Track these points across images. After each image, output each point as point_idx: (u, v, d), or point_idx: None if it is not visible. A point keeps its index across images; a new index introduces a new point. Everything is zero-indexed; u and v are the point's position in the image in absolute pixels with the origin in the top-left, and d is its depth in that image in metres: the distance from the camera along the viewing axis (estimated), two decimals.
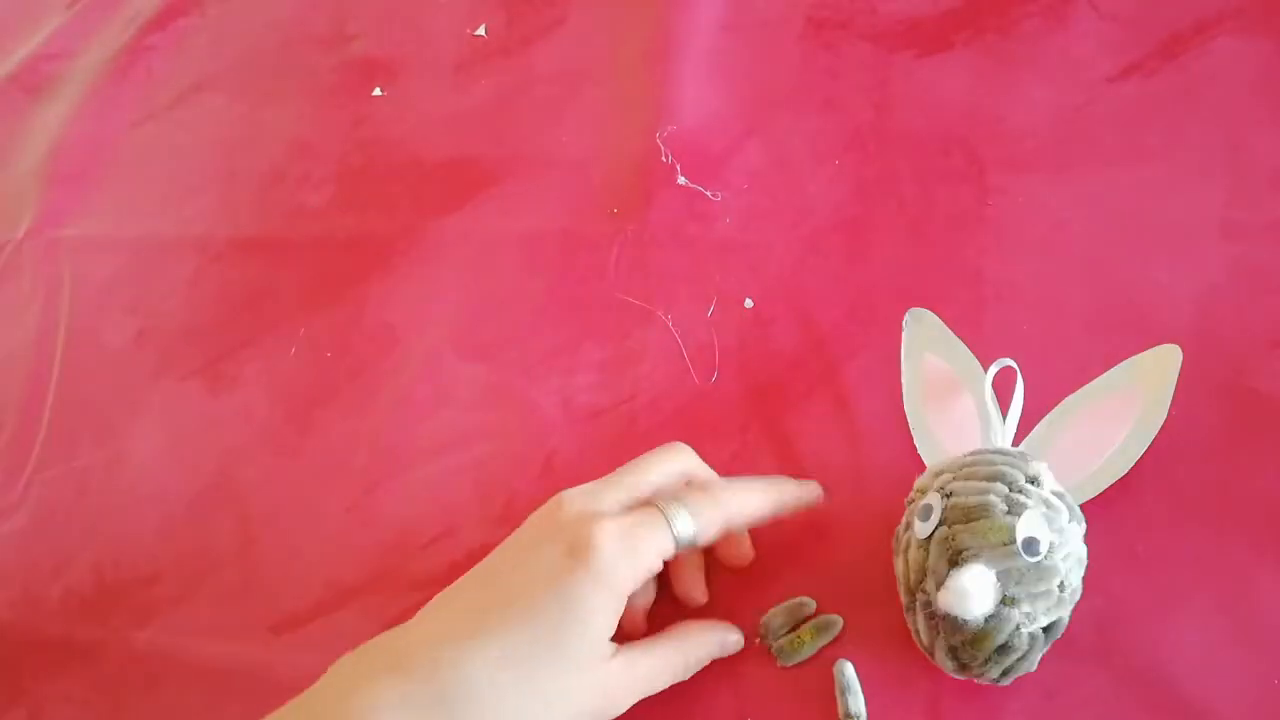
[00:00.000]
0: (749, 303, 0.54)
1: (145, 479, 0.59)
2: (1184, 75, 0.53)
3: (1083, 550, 0.39)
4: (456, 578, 0.50)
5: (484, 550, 0.51)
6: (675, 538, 0.38)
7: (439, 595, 0.40)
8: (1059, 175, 0.52)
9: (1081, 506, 0.40)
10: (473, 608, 0.38)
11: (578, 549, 0.37)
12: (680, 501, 0.39)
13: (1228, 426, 0.44)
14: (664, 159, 0.59)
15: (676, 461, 0.43)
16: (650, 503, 0.40)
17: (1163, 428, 0.42)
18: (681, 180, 0.58)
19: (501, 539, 0.51)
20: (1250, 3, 0.54)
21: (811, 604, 0.44)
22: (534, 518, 0.41)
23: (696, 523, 0.39)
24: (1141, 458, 0.42)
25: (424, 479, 0.54)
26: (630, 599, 0.38)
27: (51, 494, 0.61)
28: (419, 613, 0.40)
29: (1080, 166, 0.52)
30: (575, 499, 0.40)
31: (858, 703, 0.41)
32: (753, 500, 0.41)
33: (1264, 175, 0.49)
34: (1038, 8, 0.57)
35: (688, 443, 0.50)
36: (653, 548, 0.38)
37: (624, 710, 0.38)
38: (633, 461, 0.43)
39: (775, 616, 0.44)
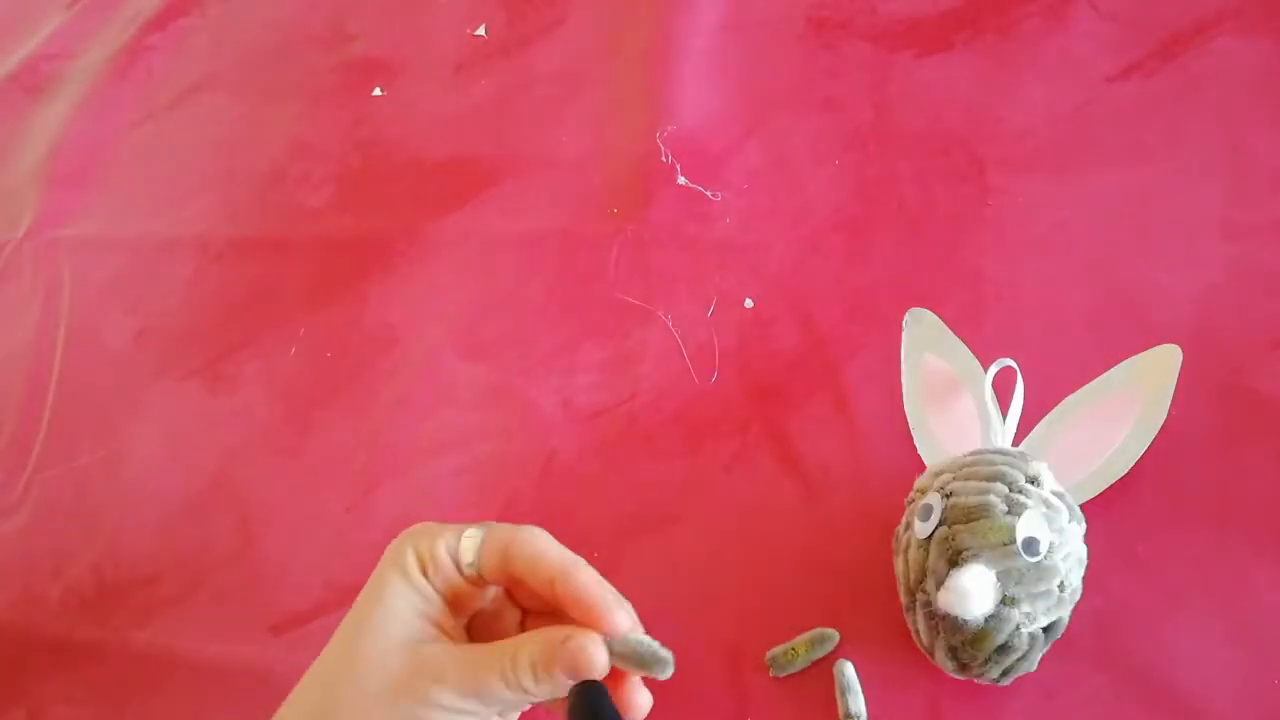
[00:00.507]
0: (749, 303, 0.54)
1: (145, 479, 0.59)
2: (1184, 75, 0.53)
3: (1083, 550, 0.39)
4: None
5: None
6: (461, 539, 0.36)
7: None
8: (1059, 175, 0.52)
9: (1081, 506, 0.40)
10: None
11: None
12: (493, 526, 0.37)
13: (1228, 426, 0.44)
14: (664, 159, 0.59)
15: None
16: None
17: (1163, 428, 0.42)
18: (681, 180, 0.58)
19: None
20: (1250, 3, 0.54)
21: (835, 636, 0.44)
22: None
23: (485, 535, 0.36)
24: (1141, 458, 0.42)
25: (424, 479, 0.54)
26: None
27: (51, 494, 0.61)
28: None
29: (1080, 166, 0.52)
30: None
31: (858, 703, 0.41)
32: (545, 544, 0.36)
33: (1264, 175, 0.49)
34: (1038, 8, 0.57)
35: (687, 443, 0.51)
36: (439, 538, 0.36)
37: (435, 711, 0.34)
38: None
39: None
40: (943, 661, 0.39)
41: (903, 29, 0.59)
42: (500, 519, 0.51)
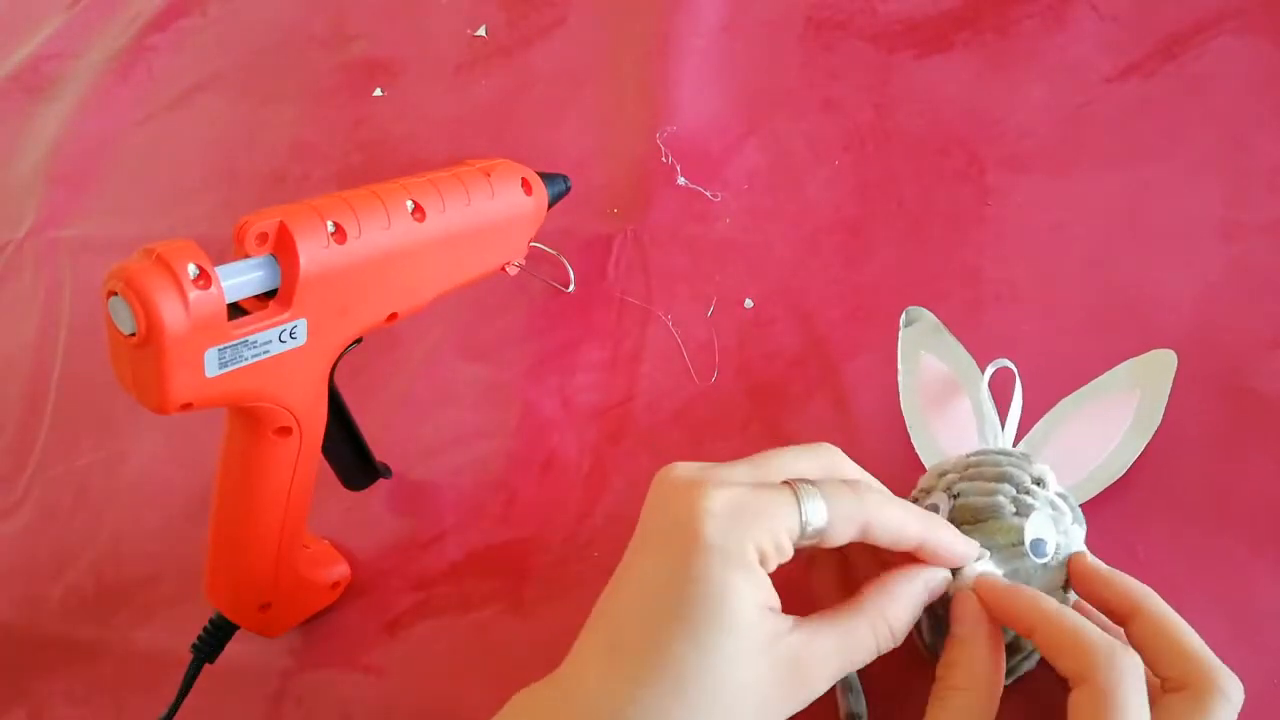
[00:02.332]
0: (749, 303, 0.54)
1: (146, 479, 0.59)
2: (1184, 75, 0.53)
3: (1084, 552, 0.39)
4: (457, 578, 0.51)
5: (485, 550, 0.51)
6: (803, 520, 0.32)
7: (584, 631, 0.35)
8: (1059, 175, 0.52)
9: (1080, 507, 0.40)
10: (607, 638, 0.33)
11: (687, 522, 0.32)
12: (817, 486, 0.33)
13: (1227, 426, 0.44)
14: (664, 159, 0.59)
15: (822, 455, 0.36)
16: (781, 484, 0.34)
17: (1162, 428, 0.42)
18: (681, 180, 0.58)
19: (502, 539, 0.51)
20: (1250, 3, 0.53)
21: None
22: (644, 506, 0.35)
23: (831, 511, 0.33)
24: (1141, 458, 0.42)
25: (424, 479, 0.54)
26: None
27: (52, 494, 0.61)
28: (568, 658, 0.34)
29: (1080, 166, 0.52)
30: (684, 467, 0.34)
31: (859, 703, 0.41)
32: (902, 516, 0.35)
33: (1264, 175, 0.49)
34: (1038, 8, 0.57)
35: (688, 443, 0.50)
36: (779, 520, 0.32)
37: (823, 689, 0.33)
38: (771, 450, 0.36)
39: None
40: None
41: (903, 29, 0.60)
42: (500, 519, 0.51)
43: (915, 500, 0.42)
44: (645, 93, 0.62)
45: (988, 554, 0.37)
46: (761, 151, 0.58)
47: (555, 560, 0.49)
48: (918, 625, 0.40)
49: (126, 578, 0.56)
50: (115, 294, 0.35)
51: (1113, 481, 0.42)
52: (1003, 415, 0.44)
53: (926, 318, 0.48)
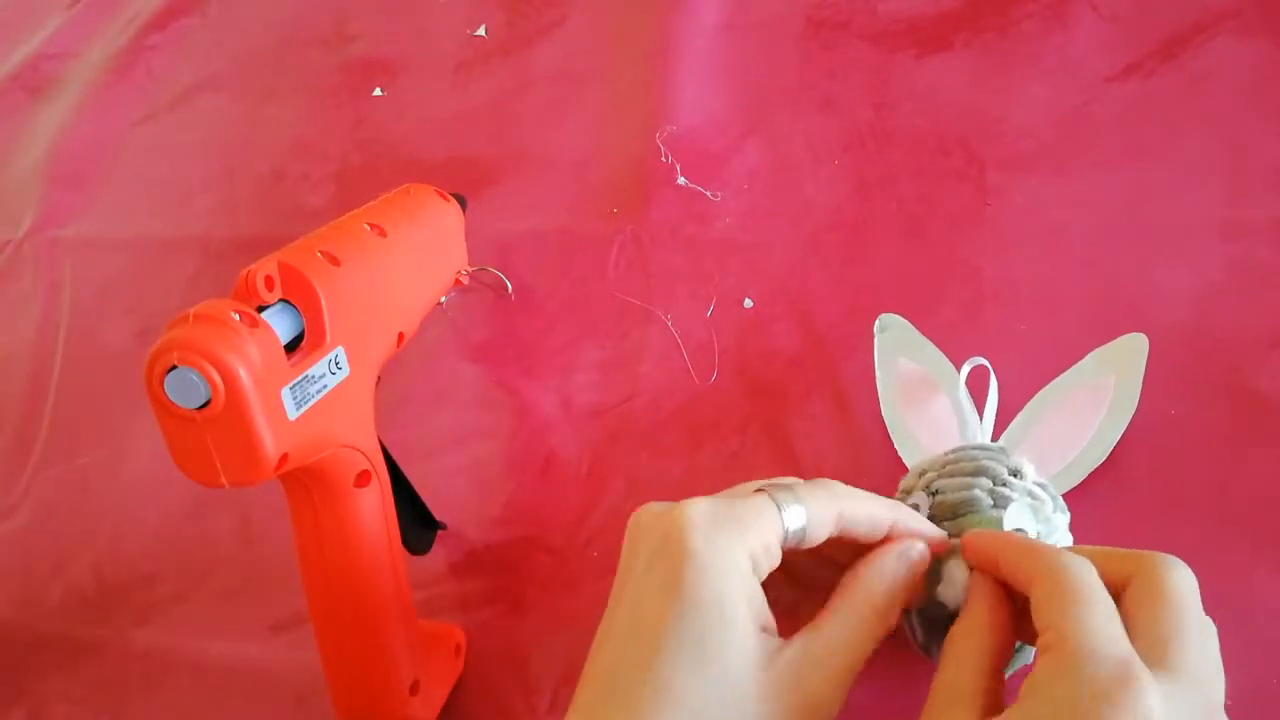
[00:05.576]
0: (749, 303, 0.54)
1: (146, 478, 0.59)
2: (1184, 75, 0.53)
3: (1069, 539, 0.39)
4: (455, 578, 0.51)
5: (485, 550, 0.51)
6: (784, 525, 0.32)
7: (583, 675, 0.32)
8: (1059, 175, 0.52)
9: (1081, 507, 0.40)
10: (607, 680, 0.31)
11: (672, 539, 0.30)
12: (789, 489, 0.33)
13: (1227, 426, 0.44)
14: (664, 159, 0.59)
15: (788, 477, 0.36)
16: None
17: (1162, 426, 0.42)
18: (681, 180, 0.58)
19: (501, 539, 0.51)
20: (1250, 3, 0.54)
21: None
22: (624, 547, 0.34)
23: (808, 511, 0.32)
24: (1141, 457, 0.42)
25: (424, 479, 0.54)
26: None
27: (52, 493, 0.61)
28: (571, 705, 0.32)
29: (1080, 166, 0.52)
30: (655, 504, 0.33)
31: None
32: (871, 504, 0.34)
33: (1263, 175, 0.49)
34: (1038, 8, 0.57)
35: (687, 442, 0.50)
36: (763, 523, 0.31)
37: (840, 701, 0.31)
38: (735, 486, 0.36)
39: None
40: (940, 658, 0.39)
41: (903, 29, 0.60)
42: (500, 519, 0.51)
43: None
44: (645, 93, 0.62)
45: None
46: (761, 151, 0.58)
47: (555, 560, 0.49)
48: (910, 627, 0.40)
49: (126, 577, 0.56)
50: (175, 366, 0.33)
51: (1096, 467, 0.42)
52: (982, 413, 0.44)
53: (899, 324, 0.48)
